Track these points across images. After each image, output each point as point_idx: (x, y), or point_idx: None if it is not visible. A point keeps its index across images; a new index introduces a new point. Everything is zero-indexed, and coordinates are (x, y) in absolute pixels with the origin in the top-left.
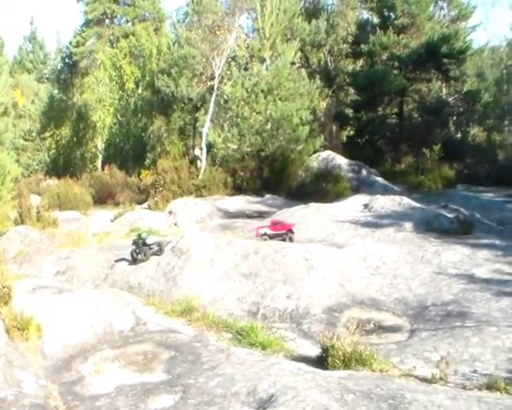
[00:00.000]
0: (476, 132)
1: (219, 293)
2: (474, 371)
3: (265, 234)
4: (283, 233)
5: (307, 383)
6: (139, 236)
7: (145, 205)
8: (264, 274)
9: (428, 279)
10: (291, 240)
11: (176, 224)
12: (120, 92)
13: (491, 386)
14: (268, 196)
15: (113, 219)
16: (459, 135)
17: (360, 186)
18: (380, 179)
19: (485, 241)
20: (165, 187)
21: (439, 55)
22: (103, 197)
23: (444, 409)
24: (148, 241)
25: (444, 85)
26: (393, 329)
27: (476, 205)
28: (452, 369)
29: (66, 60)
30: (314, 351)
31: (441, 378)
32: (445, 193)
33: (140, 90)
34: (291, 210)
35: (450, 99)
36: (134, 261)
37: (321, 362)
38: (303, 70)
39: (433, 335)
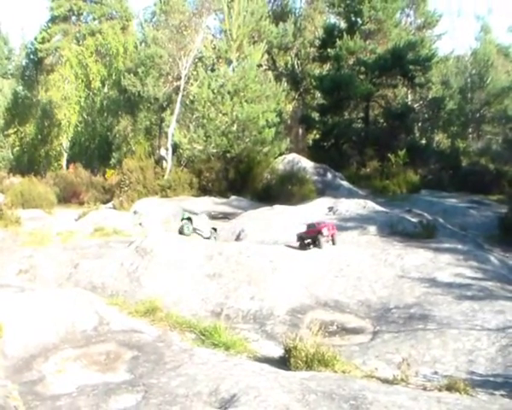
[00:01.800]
0: (440, 139)
1: (183, 293)
2: (435, 373)
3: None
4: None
5: (269, 384)
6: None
7: (110, 205)
8: (228, 275)
9: (391, 282)
10: (315, 244)
11: (140, 224)
12: (86, 91)
13: (451, 387)
14: (233, 197)
15: (77, 218)
16: (424, 141)
17: (325, 189)
18: (345, 183)
19: (447, 245)
20: (131, 187)
21: (404, 62)
22: (68, 196)
23: (404, 409)
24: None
25: (409, 92)
26: (356, 331)
27: (439, 210)
28: (414, 370)
29: (31, 56)
30: (277, 352)
31: (403, 380)
32: (410, 198)
33: (106, 89)
34: (256, 212)
35: (415, 105)
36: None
37: (284, 363)
38: (270, 72)
39: (396, 337)
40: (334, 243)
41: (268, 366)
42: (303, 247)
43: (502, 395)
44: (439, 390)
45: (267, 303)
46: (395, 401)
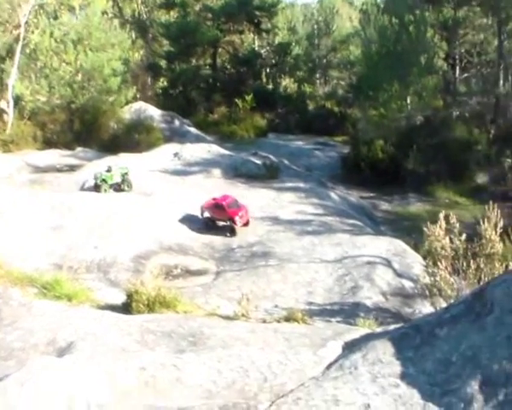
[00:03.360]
0: (287, 84)
1: (27, 248)
2: (276, 306)
3: (207, 216)
4: (225, 219)
5: (108, 329)
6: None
7: None
8: (71, 226)
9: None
10: (231, 232)
11: None
12: None
13: (289, 318)
14: (79, 148)
15: None
16: (271, 86)
17: (173, 136)
18: (192, 129)
19: (290, 184)
20: None
21: (250, 8)
22: None
23: (241, 341)
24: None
25: (256, 38)
26: (200, 272)
27: (286, 152)
28: (254, 305)
29: None
30: (120, 298)
31: (243, 315)
32: (257, 141)
33: None
34: (101, 161)
35: (262, 51)
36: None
37: (126, 308)
38: (116, 20)
39: (238, 275)
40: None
41: (109, 313)
42: (211, 228)
43: (337, 322)
44: (278, 322)
45: (110, 251)
46: (232, 334)
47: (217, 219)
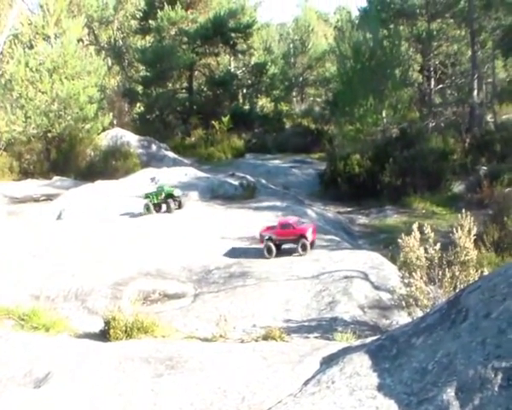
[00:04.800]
0: (264, 103)
1: (2, 279)
2: (254, 326)
3: (270, 239)
4: (294, 239)
5: (86, 357)
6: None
7: None
8: (47, 255)
9: (213, 245)
10: (304, 248)
11: None
12: None
13: (267, 336)
14: (56, 177)
15: None
16: (247, 106)
17: (150, 161)
18: (170, 153)
19: (267, 203)
20: None
21: (226, 30)
22: None
23: (219, 362)
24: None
25: (232, 59)
26: (178, 295)
27: (263, 171)
28: (232, 326)
29: None
30: (98, 326)
31: (221, 336)
32: (235, 162)
33: None
34: (77, 190)
35: (238, 72)
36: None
37: (104, 336)
38: (91, 47)
39: (216, 296)
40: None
41: (87, 341)
42: (270, 252)
43: (315, 337)
44: (256, 341)
45: (88, 279)
46: (210, 356)
47: (284, 241)
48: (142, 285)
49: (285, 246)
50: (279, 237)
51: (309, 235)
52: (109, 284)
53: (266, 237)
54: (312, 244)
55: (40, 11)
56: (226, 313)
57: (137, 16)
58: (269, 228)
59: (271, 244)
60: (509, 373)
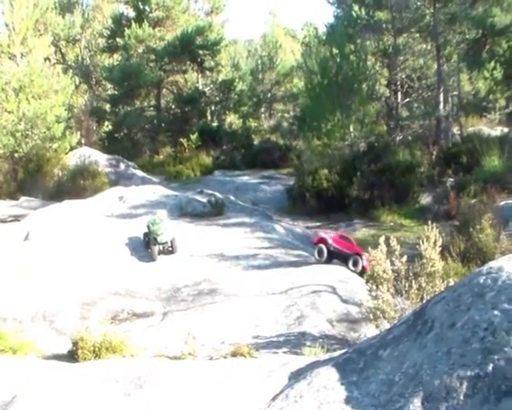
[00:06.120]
0: (232, 120)
1: None
2: (222, 342)
3: (324, 242)
4: (347, 253)
5: (53, 379)
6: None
7: None
8: (11, 275)
9: (181, 263)
10: (356, 264)
11: None
12: None
13: (236, 353)
14: (24, 198)
15: None
16: (216, 123)
17: (119, 180)
18: (138, 172)
19: (235, 220)
20: None
21: (193, 47)
22: None
23: (187, 380)
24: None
25: (200, 76)
26: (147, 314)
27: (232, 188)
28: (201, 343)
29: None
30: (66, 347)
31: (190, 354)
32: (203, 179)
33: None
34: (44, 210)
35: (206, 89)
36: None
37: (72, 357)
38: (58, 66)
39: (185, 314)
40: None
41: (55, 362)
42: (321, 254)
43: (284, 352)
44: (225, 358)
45: (56, 300)
46: (179, 374)
47: (336, 252)
48: (110, 304)
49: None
50: (334, 244)
51: (364, 259)
52: (77, 304)
53: (320, 237)
54: (363, 272)
55: (6, 29)
56: (195, 330)
57: (105, 34)
58: (325, 232)
59: (324, 247)
60: (474, 382)
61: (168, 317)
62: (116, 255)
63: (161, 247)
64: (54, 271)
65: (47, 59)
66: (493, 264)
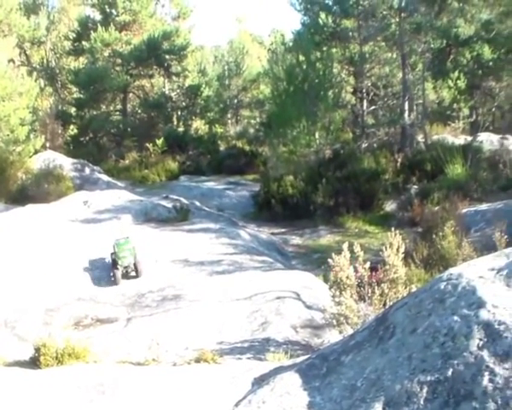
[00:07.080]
0: (199, 125)
1: None
2: (186, 348)
3: None
4: None
5: (14, 386)
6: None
7: None
8: None
9: (147, 268)
10: None
11: None
12: None
13: (199, 359)
14: None
15: None
16: (182, 128)
17: (84, 184)
18: (104, 176)
19: (200, 226)
20: None
21: (160, 52)
22: None
23: (150, 386)
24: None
25: (167, 81)
26: (111, 320)
27: (197, 194)
28: (165, 349)
29: None
30: (28, 354)
31: (154, 360)
32: (168, 185)
33: None
34: (7, 214)
35: (172, 94)
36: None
37: (34, 363)
38: (23, 68)
39: (149, 320)
40: None
41: (17, 369)
42: None
43: (248, 358)
44: (189, 364)
45: (18, 306)
46: (142, 380)
47: None
48: (73, 310)
49: None
50: None
51: None
52: (40, 310)
53: None
54: None
55: None
56: (159, 336)
57: (70, 37)
58: None
59: None
60: (434, 386)
61: (132, 323)
62: (79, 261)
63: (124, 270)
64: (16, 276)
65: (11, 61)
66: (453, 270)
